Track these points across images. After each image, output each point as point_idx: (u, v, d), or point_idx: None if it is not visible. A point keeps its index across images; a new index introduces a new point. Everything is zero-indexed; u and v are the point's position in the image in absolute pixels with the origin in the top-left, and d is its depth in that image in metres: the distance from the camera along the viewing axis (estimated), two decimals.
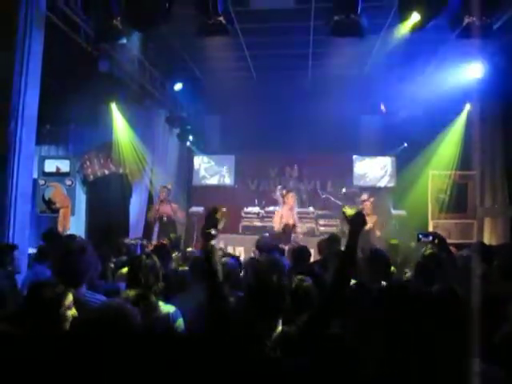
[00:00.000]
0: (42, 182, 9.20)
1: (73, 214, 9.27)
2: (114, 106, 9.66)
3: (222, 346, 2.01)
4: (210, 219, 2.72)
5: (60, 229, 8.44)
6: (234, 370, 1.86)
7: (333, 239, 5.47)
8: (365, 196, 9.74)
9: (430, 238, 3.49)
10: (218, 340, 2.07)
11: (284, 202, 9.19)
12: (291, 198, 9.07)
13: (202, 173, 12.58)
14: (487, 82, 7.69)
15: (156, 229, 9.83)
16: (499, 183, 9.57)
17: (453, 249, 6.00)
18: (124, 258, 5.09)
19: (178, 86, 9.87)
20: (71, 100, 7.89)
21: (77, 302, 2.51)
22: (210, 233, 2.68)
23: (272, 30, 8.16)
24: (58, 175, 9.34)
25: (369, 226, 8.90)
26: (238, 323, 2.28)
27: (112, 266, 4.96)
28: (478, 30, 5.66)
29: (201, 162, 12.59)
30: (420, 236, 3.59)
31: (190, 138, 11.55)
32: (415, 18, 5.56)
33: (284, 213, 9.06)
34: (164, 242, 5.72)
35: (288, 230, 8.62)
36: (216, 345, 2.00)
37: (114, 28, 5.76)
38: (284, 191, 9.79)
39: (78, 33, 6.40)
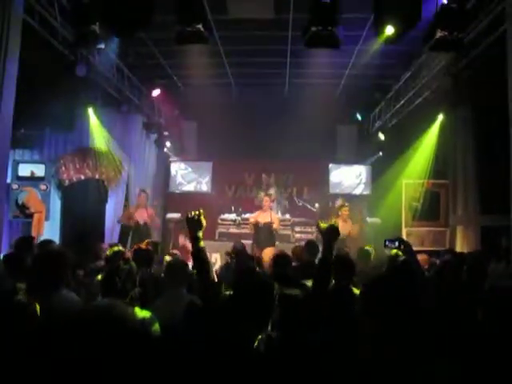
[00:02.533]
0: (15, 186, 9.05)
1: (47, 219, 9.13)
2: (90, 111, 9.58)
3: (209, 344, 2.07)
4: (196, 222, 2.90)
5: (34, 234, 8.30)
6: (219, 367, 1.92)
7: (311, 245, 5.53)
8: (340, 202, 9.98)
9: (396, 243, 3.58)
10: (205, 337, 2.13)
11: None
12: (266, 201, 9.32)
13: (179, 179, 12.55)
14: (459, 94, 7.92)
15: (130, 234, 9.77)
16: (471, 192, 9.82)
17: (425, 256, 6.16)
18: (101, 263, 5.03)
19: (157, 92, 9.91)
20: (47, 104, 7.81)
21: (53, 308, 2.50)
22: (198, 236, 2.89)
23: (250, 38, 8.24)
24: (33, 179, 9.20)
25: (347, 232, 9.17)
26: (226, 321, 2.33)
27: (81, 272, 4.89)
28: (449, 44, 5.85)
29: (178, 169, 12.56)
30: (386, 242, 3.68)
31: (168, 144, 11.53)
32: (390, 30, 5.71)
33: (259, 216, 9.27)
34: (145, 246, 5.69)
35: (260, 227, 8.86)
36: (203, 342, 2.05)
37: (92, 33, 5.74)
38: (263, 194, 10.11)
39: (56, 36, 6.36)
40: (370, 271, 4.68)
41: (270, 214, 9.24)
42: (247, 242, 8.24)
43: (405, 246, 3.49)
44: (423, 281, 3.28)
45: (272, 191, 10.37)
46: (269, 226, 9.08)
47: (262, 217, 9.25)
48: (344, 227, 9.26)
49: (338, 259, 3.85)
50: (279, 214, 10.57)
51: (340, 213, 9.56)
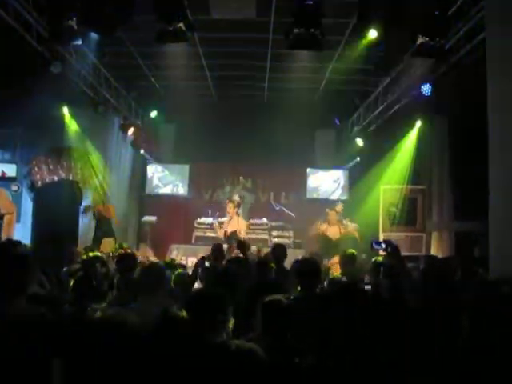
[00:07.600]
0: None
1: (18, 220, 8.86)
2: (65, 110, 9.35)
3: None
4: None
5: (4, 236, 8.02)
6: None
7: (277, 249, 5.39)
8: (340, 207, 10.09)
9: (383, 245, 3.54)
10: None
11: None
12: (230, 208, 9.13)
13: (156, 182, 12.36)
14: (437, 100, 7.99)
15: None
16: (445, 198, 9.95)
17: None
18: (76, 266, 4.85)
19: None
20: (20, 102, 7.58)
21: (13, 316, 2.35)
22: None
23: (231, 40, 8.15)
24: (3, 180, 8.93)
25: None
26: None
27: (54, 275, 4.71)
28: (430, 50, 5.89)
29: (154, 171, 12.38)
30: (373, 244, 3.63)
31: (144, 145, 11.36)
32: (372, 35, 5.72)
33: (229, 223, 9.11)
34: (129, 250, 5.54)
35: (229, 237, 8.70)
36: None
37: (69, 28, 5.57)
38: (227, 201, 9.86)
39: (30, 32, 6.16)
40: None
41: (237, 221, 9.11)
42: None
43: (391, 248, 3.45)
44: (411, 282, 3.24)
45: (236, 197, 10.14)
46: (235, 235, 8.93)
47: (230, 226, 9.09)
48: (333, 231, 9.52)
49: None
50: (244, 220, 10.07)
51: (328, 218, 9.69)
